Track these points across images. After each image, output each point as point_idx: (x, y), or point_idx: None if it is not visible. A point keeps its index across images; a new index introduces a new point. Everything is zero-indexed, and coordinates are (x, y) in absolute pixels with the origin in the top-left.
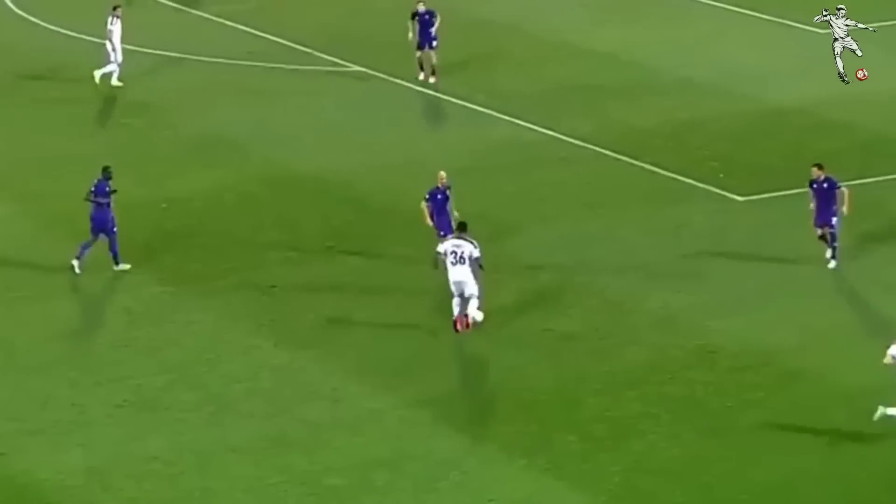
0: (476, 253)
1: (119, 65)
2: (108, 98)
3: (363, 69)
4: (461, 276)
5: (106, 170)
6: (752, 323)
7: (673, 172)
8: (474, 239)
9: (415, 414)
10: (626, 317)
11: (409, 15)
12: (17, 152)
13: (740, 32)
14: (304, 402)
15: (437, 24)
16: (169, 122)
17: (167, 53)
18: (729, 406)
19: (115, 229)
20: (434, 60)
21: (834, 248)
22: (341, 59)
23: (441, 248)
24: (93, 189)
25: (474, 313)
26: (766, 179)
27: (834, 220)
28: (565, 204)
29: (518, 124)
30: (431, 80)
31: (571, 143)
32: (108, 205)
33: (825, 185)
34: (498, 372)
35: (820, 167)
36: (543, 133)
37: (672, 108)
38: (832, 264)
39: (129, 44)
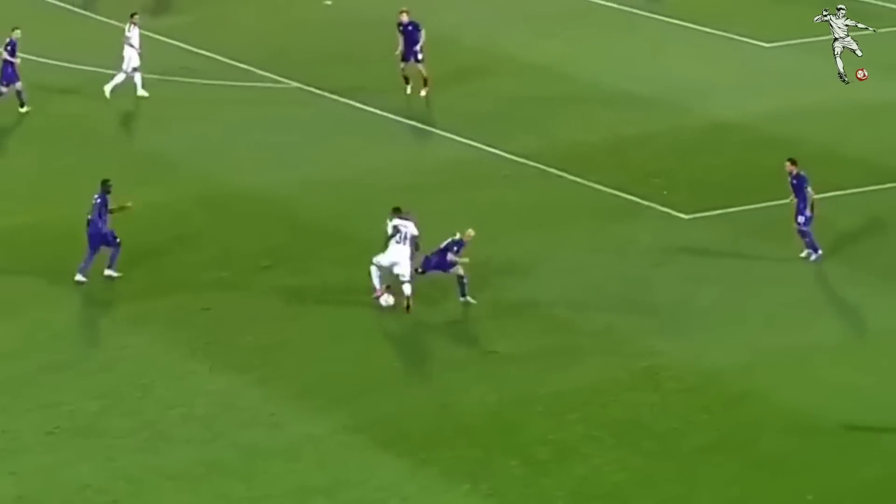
0: (415, 232)
1: (129, 73)
2: (39, 114)
3: (302, 86)
4: (399, 256)
5: (105, 183)
6: (697, 343)
7: (617, 190)
8: (413, 218)
9: (354, 439)
10: (570, 337)
11: (393, 27)
12: None
13: (682, 45)
14: (240, 427)
15: (422, 38)
16: (102, 140)
17: (101, 70)
18: (675, 428)
19: (117, 240)
20: (424, 73)
21: (804, 243)
22: (279, 75)
23: (390, 226)
24: (100, 203)
25: (408, 292)
26: (711, 196)
27: (800, 218)
28: (508, 223)
29: (459, 141)
30: (423, 92)
31: (514, 160)
32: (105, 218)
33: (794, 181)
34: (439, 395)
35: (793, 162)
36: (485, 150)
37: (616, 123)
38: (804, 254)
39: (62, 60)
